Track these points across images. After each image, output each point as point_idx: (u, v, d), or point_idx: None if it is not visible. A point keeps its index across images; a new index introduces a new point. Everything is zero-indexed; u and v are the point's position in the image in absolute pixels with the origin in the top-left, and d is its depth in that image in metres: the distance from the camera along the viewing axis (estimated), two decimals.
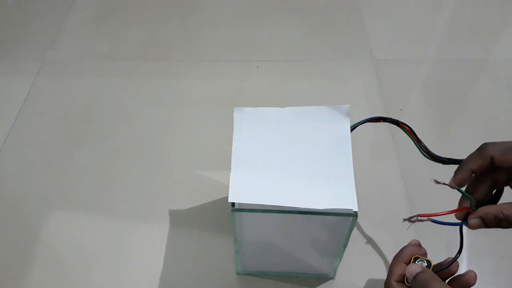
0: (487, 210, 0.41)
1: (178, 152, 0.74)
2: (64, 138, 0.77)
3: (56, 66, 0.90)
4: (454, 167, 0.45)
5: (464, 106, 0.81)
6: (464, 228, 0.44)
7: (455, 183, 0.43)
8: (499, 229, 0.42)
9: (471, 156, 0.44)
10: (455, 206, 0.45)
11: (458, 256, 0.44)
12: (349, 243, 0.50)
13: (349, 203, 0.44)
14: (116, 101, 0.83)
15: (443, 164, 0.48)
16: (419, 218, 0.43)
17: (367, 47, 0.92)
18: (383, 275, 0.59)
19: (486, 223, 0.41)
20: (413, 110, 0.80)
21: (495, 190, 0.45)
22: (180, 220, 0.66)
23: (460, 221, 0.44)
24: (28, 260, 0.62)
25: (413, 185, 0.68)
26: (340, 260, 0.55)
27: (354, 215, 0.45)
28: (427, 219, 0.43)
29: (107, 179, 0.71)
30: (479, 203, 0.44)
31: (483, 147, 0.43)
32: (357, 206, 0.44)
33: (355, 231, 0.64)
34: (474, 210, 0.43)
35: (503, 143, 0.42)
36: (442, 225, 0.42)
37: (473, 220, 0.42)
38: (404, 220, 0.44)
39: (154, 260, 0.61)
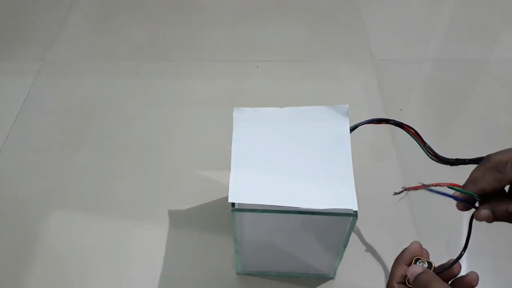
0: (498, 202, 0.40)
1: (178, 152, 0.74)
2: (64, 138, 0.77)
3: (56, 66, 0.90)
4: (460, 167, 0.44)
5: (464, 106, 0.81)
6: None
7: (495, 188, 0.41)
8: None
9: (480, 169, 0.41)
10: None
11: (463, 253, 0.43)
12: (349, 243, 0.50)
13: (349, 203, 0.44)
14: (116, 101, 0.83)
15: (451, 165, 0.46)
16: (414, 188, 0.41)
17: (367, 47, 0.92)
18: (383, 275, 0.59)
19: (496, 216, 0.40)
20: (413, 110, 0.80)
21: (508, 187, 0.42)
22: (180, 220, 0.66)
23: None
24: (28, 260, 0.62)
25: (413, 185, 0.68)
26: (340, 260, 0.55)
27: (354, 215, 0.45)
28: (425, 187, 0.41)
29: (107, 179, 0.71)
30: (485, 194, 0.42)
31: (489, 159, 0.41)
32: (357, 206, 0.44)
33: (355, 231, 0.64)
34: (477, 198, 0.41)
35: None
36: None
37: (483, 211, 0.41)
38: (397, 193, 0.43)
39: (154, 260, 0.61)
